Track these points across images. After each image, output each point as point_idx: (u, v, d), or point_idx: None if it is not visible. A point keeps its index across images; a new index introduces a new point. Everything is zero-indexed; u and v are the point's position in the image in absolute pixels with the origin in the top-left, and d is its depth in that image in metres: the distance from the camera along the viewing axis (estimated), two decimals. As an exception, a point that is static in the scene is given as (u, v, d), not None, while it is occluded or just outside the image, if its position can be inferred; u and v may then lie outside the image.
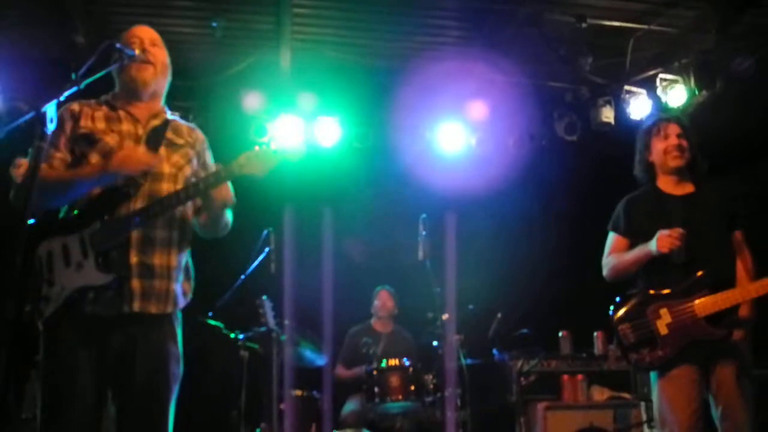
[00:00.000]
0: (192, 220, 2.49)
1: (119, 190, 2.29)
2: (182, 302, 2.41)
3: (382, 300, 5.68)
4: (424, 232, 4.52)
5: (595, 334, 5.62)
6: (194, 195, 2.35)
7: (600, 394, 5.24)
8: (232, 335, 4.46)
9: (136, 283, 2.26)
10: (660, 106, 5.74)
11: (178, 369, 2.35)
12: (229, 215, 2.53)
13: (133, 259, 2.27)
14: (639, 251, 3.14)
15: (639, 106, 5.77)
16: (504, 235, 6.15)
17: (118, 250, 2.24)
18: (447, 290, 4.73)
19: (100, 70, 2.22)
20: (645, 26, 5.27)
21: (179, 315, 2.43)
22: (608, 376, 5.34)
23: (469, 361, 4.75)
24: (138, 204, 2.30)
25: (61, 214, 2.35)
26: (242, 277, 4.41)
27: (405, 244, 4.89)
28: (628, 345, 3.08)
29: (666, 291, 3.05)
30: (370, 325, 5.70)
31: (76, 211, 2.30)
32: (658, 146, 3.28)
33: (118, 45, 2.32)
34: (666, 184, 3.27)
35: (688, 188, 3.25)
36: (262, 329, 4.30)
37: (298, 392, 4.72)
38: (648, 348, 3.02)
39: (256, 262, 4.39)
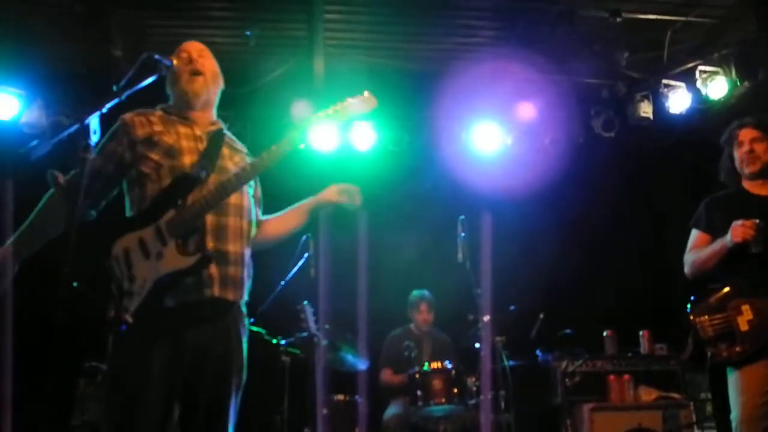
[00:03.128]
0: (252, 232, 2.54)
1: (190, 176, 2.33)
2: (247, 293, 2.45)
3: (423, 314, 5.59)
4: (463, 234, 4.50)
5: (640, 333, 5.51)
6: (258, 170, 2.41)
7: (648, 394, 5.13)
8: (274, 341, 4.50)
9: (213, 269, 2.28)
10: (700, 99, 5.63)
11: (241, 378, 2.38)
12: None
13: (210, 244, 2.30)
14: (716, 244, 3.15)
15: (678, 100, 5.67)
16: (543, 233, 6.07)
17: (195, 236, 2.28)
18: (486, 291, 4.68)
19: (140, 81, 2.25)
20: (682, 18, 5.18)
21: (247, 324, 2.45)
22: (656, 375, 5.24)
23: (512, 362, 4.69)
24: (208, 190, 2.34)
25: (128, 213, 2.39)
26: (282, 283, 4.45)
27: (443, 246, 4.86)
28: (705, 339, 3.08)
29: (749, 287, 3.04)
30: (410, 329, 5.67)
31: (148, 205, 2.33)
32: (735, 155, 3.30)
33: (156, 56, 2.35)
34: (751, 186, 3.28)
35: None
36: (304, 334, 4.32)
37: (341, 397, 4.72)
38: (726, 343, 3.02)
39: (295, 268, 4.41)
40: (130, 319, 2.19)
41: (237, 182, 2.34)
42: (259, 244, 2.63)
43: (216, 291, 2.28)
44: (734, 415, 3.01)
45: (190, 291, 2.26)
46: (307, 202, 2.68)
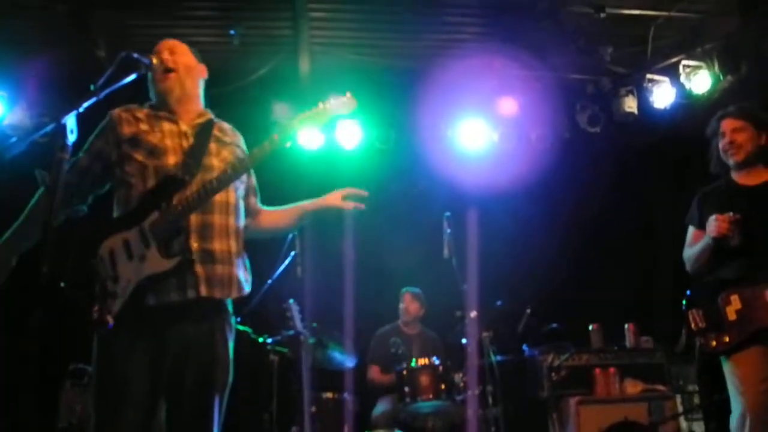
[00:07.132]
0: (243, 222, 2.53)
1: (174, 178, 2.33)
2: (245, 290, 2.44)
3: (406, 303, 5.64)
4: (448, 230, 4.51)
5: (626, 326, 5.54)
6: (240, 172, 2.41)
7: (633, 387, 5.16)
8: (261, 340, 4.49)
9: (199, 269, 2.28)
10: (684, 93, 5.66)
11: (227, 377, 2.35)
12: None
13: (194, 244, 2.29)
14: (703, 241, 3.19)
15: (662, 95, 5.70)
16: (529, 229, 6.10)
17: (179, 236, 2.28)
18: (473, 287, 4.70)
19: (119, 80, 2.25)
20: (665, 13, 5.21)
21: (233, 322, 2.44)
22: (641, 368, 5.26)
23: (499, 357, 4.71)
24: (192, 191, 2.33)
25: (116, 214, 2.39)
26: (269, 281, 4.45)
27: (429, 243, 4.87)
28: (696, 330, 3.13)
29: (739, 278, 3.06)
30: (398, 326, 5.68)
31: (134, 206, 2.33)
32: (720, 146, 3.30)
33: (134, 55, 2.35)
34: (738, 176, 3.28)
35: (764, 177, 3.23)
36: (291, 333, 4.32)
37: (329, 394, 4.73)
38: (715, 333, 3.07)
39: (282, 267, 4.42)
40: (111, 321, 2.20)
41: (218, 185, 2.33)
42: (253, 233, 2.63)
43: (202, 290, 2.28)
44: (737, 405, 2.99)
45: (173, 291, 2.26)
46: (306, 205, 2.63)
